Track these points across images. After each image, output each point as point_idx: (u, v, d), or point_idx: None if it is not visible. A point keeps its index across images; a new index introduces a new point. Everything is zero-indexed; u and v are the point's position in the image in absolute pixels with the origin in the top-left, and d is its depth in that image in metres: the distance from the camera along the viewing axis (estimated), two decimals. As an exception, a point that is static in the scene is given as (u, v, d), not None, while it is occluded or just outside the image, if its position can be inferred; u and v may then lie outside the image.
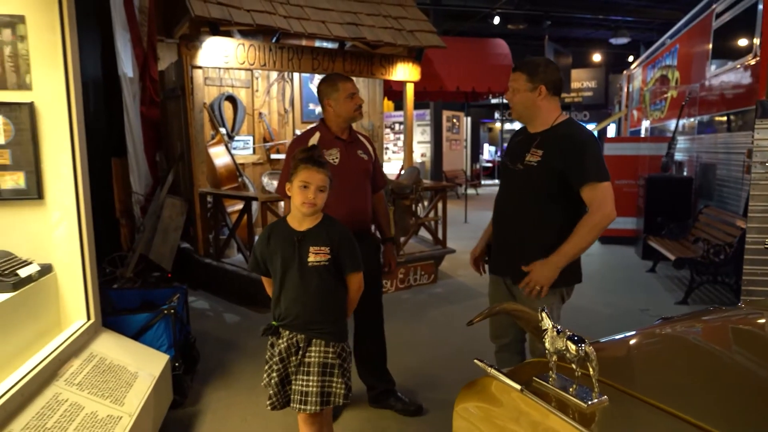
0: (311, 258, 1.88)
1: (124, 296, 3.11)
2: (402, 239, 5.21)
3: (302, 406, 1.87)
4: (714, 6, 5.98)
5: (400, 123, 12.70)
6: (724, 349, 1.18)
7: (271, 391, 1.94)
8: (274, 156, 6.41)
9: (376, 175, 2.70)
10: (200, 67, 4.87)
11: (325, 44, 5.89)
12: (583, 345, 0.90)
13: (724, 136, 5.55)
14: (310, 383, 1.88)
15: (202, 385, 3.06)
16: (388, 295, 5.01)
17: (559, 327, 0.94)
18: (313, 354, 1.89)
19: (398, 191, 5.11)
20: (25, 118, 2.27)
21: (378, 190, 2.76)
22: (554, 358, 0.96)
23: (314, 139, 2.53)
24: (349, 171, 2.50)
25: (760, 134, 2.57)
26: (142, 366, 2.44)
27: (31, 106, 2.27)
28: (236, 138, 6.17)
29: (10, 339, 1.98)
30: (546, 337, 0.96)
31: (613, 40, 15.12)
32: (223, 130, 5.90)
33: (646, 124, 9.25)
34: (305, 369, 1.89)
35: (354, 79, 6.42)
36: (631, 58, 15.60)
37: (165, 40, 5.81)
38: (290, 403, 1.91)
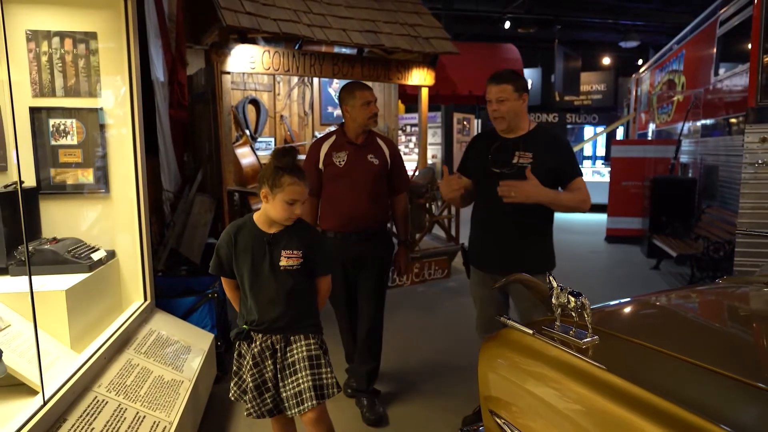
0: (283, 261, 1.82)
1: (168, 283, 3.42)
2: (417, 236, 5.50)
3: (300, 407, 1.80)
4: (719, 13, 6.21)
5: (412, 125, 12.98)
6: (699, 308, 1.47)
7: (247, 398, 1.85)
8: (294, 156, 6.72)
9: (393, 178, 2.76)
10: (228, 73, 5.19)
11: (345, 50, 6.19)
12: (580, 297, 1.19)
13: (726, 139, 5.78)
14: (301, 380, 1.82)
15: (239, 364, 3.36)
16: (403, 288, 5.31)
17: (562, 285, 1.23)
18: (296, 350, 1.84)
19: (414, 190, 5.40)
20: (94, 121, 2.59)
21: (397, 192, 2.83)
22: (558, 310, 1.24)
23: (328, 142, 2.70)
24: (353, 174, 2.62)
25: (750, 138, 2.83)
26: (192, 342, 2.74)
27: (100, 111, 2.59)
28: (259, 139, 6.49)
29: (88, 312, 2.29)
30: (553, 293, 1.24)
31: (623, 44, 15.33)
32: (247, 132, 6.23)
33: (652, 127, 9.48)
34: (291, 369, 1.84)
35: (370, 83, 6.74)
36: (640, 62, 15.77)
37: (193, 46, 6.14)
38: (276, 411, 1.86)
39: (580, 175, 2.29)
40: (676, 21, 13.38)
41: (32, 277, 2.24)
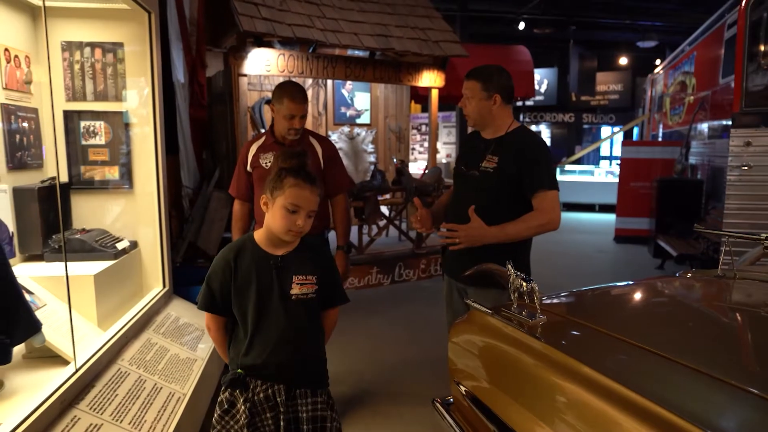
0: (296, 290, 1.53)
1: (185, 272, 3.68)
2: (424, 233, 5.70)
3: None
4: (726, 17, 6.27)
5: (426, 124, 13.15)
6: (647, 295, 1.65)
7: None
8: (308, 155, 6.97)
9: (328, 179, 2.56)
10: (245, 75, 5.44)
11: (357, 53, 6.40)
12: (531, 283, 1.38)
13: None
14: None
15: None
16: (410, 283, 5.51)
17: (517, 272, 1.42)
18: (300, 407, 1.55)
19: (422, 189, 5.60)
20: (120, 123, 2.85)
21: (333, 194, 2.63)
22: (515, 294, 1.43)
23: (257, 143, 2.59)
24: None
25: (735, 142, 2.96)
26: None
27: (125, 114, 2.84)
28: (274, 138, 6.74)
29: (112, 296, 2.54)
30: (510, 279, 1.43)
31: (641, 43, 15.26)
32: (262, 131, 6.49)
33: (661, 128, 9.53)
34: (294, 426, 1.54)
35: (382, 85, 6.94)
36: (658, 62, 15.68)
37: (212, 49, 6.42)
38: None
39: (548, 188, 2.02)
40: (693, 21, 13.28)
41: (63, 263, 2.51)
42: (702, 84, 7.42)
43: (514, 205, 2.07)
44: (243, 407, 1.51)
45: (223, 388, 1.57)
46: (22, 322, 1.77)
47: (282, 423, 1.51)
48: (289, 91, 2.43)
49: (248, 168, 2.55)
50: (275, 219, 1.51)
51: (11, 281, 1.76)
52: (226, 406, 1.55)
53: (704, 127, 6.96)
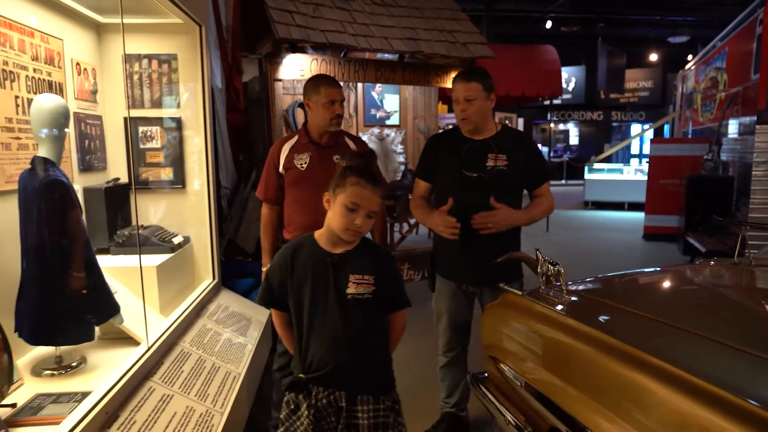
0: (352, 289, 1.52)
1: (231, 267, 3.93)
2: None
3: None
4: (758, 12, 6.24)
5: (454, 124, 13.27)
6: (674, 280, 1.79)
7: None
8: (339, 156, 7.21)
9: None
10: (280, 80, 5.69)
11: (387, 56, 6.60)
12: (557, 266, 1.54)
13: (763, 137, 5.82)
14: None
15: (291, 339, 3.83)
16: (440, 279, 5.67)
17: (545, 257, 1.58)
18: (361, 414, 1.52)
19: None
20: (173, 128, 3.10)
21: None
22: (543, 277, 1.59)
23: (290, 143, 2.51)
24: (317, 176, 2.34)
25: (761, 138, 3.02)
26: (253, 315, 3.21)
27: (179, 120, 3.09)
28: (306, 140, 6.98)
29: (171, 286, 2.78)
30: (539, 264, 1.59)
31: (672, 39, 15.06)
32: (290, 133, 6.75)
33: (690, 124, 9.45)
34: None
35: (410, 87, 7.10)
36: (690, 57, 15.42)
37: (248, 56, 6.70)
38: None
39: (549, 178, 2.33)
40: (726, 15, 13.02)
41: (127, 256, 2.76)
42: (734, 80, 7.37)
43: (519, 198, 2.31)
44: (306, 412, 1.52)
45: (284, 390, 1.60)
46: (105, 304, 2.01)
47: (343, 424, 1.51)
48: (323, 79, 2.42)
49: (280, 169, 2.48)
50: (335, 216, 1.52)
51: (96, 268, 2.00)
52: (292, 407, 1.57)
53: (735, 123, 6.93)
